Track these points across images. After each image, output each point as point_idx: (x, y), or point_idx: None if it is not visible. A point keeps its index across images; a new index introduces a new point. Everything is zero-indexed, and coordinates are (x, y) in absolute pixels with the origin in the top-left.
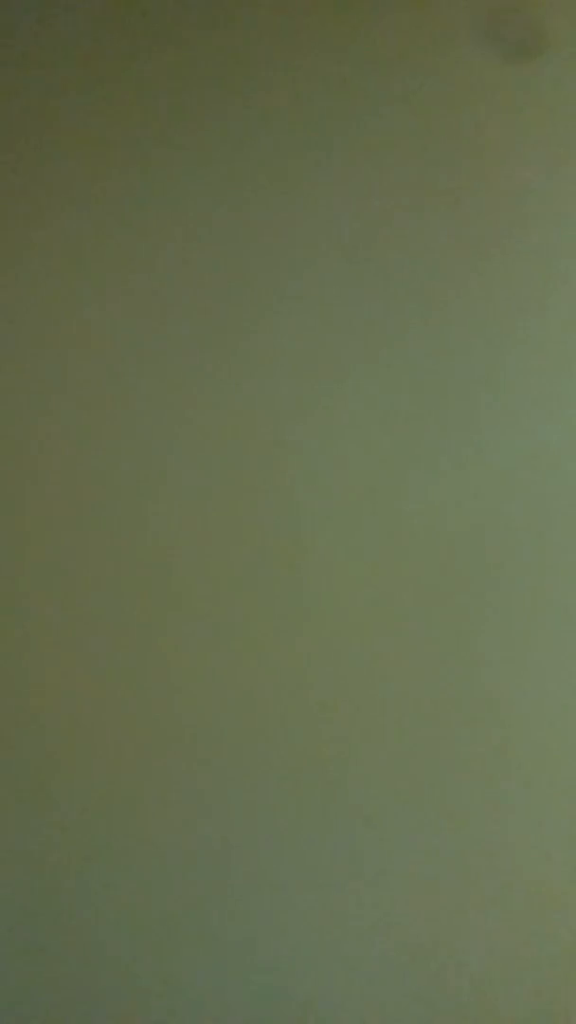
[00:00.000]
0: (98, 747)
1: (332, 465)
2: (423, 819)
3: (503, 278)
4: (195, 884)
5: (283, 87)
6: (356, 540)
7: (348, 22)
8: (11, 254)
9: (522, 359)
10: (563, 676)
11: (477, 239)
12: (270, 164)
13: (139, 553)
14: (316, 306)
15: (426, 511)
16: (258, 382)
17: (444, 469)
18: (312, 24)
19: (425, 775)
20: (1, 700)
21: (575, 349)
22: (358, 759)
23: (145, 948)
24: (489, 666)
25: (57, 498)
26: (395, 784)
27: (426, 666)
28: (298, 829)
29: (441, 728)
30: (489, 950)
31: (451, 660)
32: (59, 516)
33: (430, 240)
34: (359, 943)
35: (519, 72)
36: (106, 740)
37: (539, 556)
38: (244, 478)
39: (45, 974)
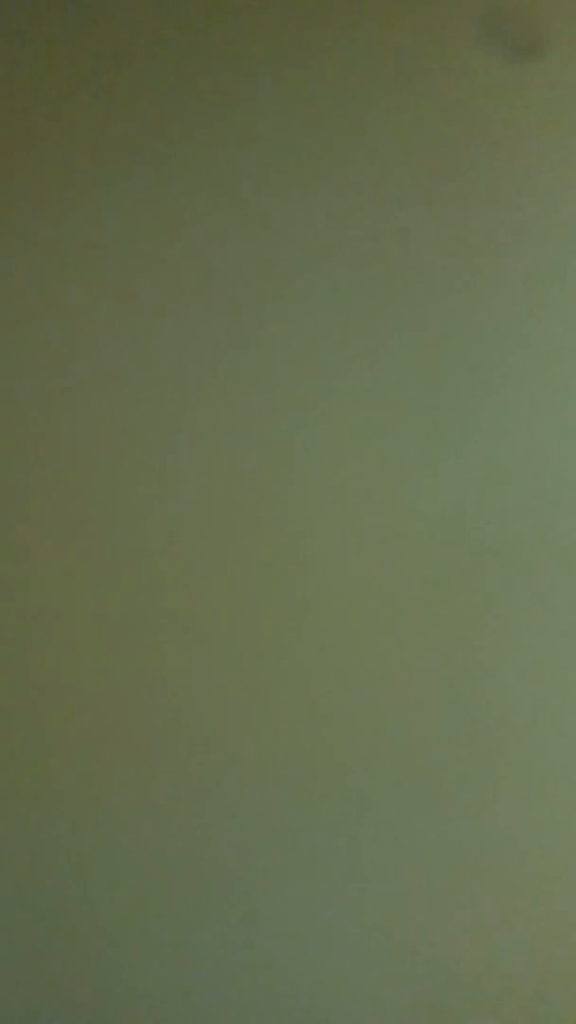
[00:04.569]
0: (99, 747)
1: (332, 465)
2: (424, 817)
3: (503, 278)
4: (194, 883)
5: (283, 88)
6: (356, 539)
7: (348, 22)
8: (10, 257)
9: (521, 359)
10: (563, 674)
11: (477, 239)
12: (270, 165)
13: (141, 551)
14: (316, 306)
15: (427, 511)
16: (259, 382)
17: (444, 469)
18: (312, 24)
19: (426, 773)
20: (3, 701)
21: (575, 349)
22: (359, 759)
23: (144, 946)
24: (489, 665)
25: (58, 497)
26: (396, 782)
27: (427, 665)
28: (298, 827)
29: (442, 727)
30: (489, 947)
31: (451, 659)
32: (60, 516)
33: (430, 240)
34: (358, 940)
35: (519, 72)
36: (107, 738)
37: (540, 555)
38: (245, 479)
39: (45, 975)
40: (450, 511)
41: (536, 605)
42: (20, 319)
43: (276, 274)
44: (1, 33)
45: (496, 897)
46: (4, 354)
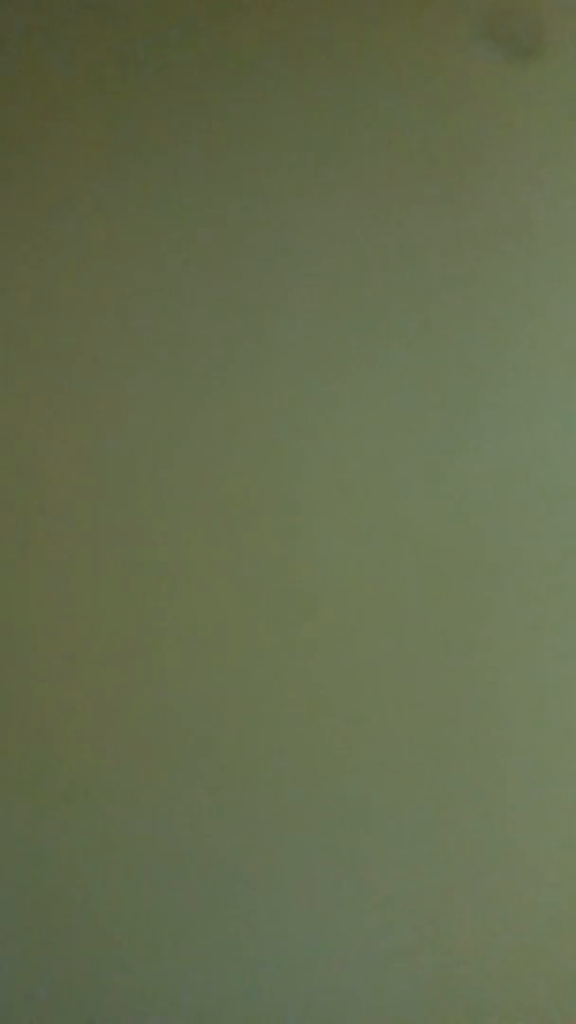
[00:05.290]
0: (100, 747)
1: (332, 465)
2: (424, 815)
3: (503, 278)
4: (196, 883)
5: (283, 88)
6: (356, 540)
7: (348, 22)
8: (11, 259)
9: (521, 360)
10: (563, 672)
11: (477, 239)
12: (270, 165)
13: (141, 553)
14: (316, 306)
15: (426, 510)
16: (259, 382)
17: (444, 469)
18: (312, 24)
19: (425, 771)
20: (6, 703)
21: (575, 349)
22: (359, 757)
23: (142, 946)
24: (489, 664)
25: (60, 498)
26: (396, 780)
27: (426, 664)
28: (298, 825)
29: (441, 725)
30: (489, 946)
31: (451, 658)
32: (61, 516)
33: (430, 240)
34: (358, 940)
35: (519, 72)
36: (108, 738)
37: (539, 555)
38: (245, 478)
39: (46, 974)
40: (450, 512)
41: (536, 605)
42: (21, 320)
43: (275, 273)
44: (2, 32)
45: (497, 897)
46: (5, 355)
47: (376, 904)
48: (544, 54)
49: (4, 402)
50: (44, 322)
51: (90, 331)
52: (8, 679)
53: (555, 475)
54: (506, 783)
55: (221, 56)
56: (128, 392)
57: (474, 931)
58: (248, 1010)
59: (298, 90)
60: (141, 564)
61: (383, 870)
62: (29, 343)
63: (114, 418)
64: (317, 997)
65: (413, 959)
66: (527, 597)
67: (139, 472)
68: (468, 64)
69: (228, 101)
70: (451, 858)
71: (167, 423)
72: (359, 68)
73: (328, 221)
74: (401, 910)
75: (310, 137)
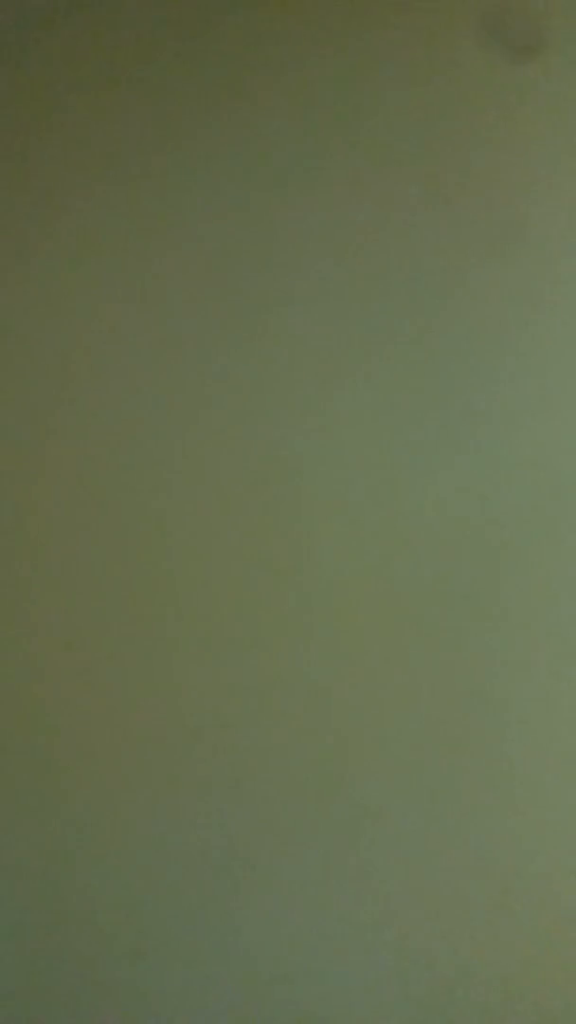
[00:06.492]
0: (103, 748)
1: (334, 465)
2: (426, 819)
3: (503, 278)
4: (197, 886)
5: (284, 87)
6: (357, 539)
7: (349, 22)
8: (13, 258)
9: (522, 359)
10: (565, 672)
11: (477, 239)
12: (271, 165)
13: (142, 554)
14: (317, 307)
15: (427, 510)
16: (260, 382)
17: (445, 468)
18: (313, 24)
19: (429, 777)
20: (7, 703)
21: (575, 349)
22: (362, 760)
23: (143, 947)
24: (491, 664)
25: (59, 501)
26: (399, 784)
27: (428, 663)
28: (301, 829)
29: (445, 726)
30: (493, 953)
31: (453, 658)
32: (63, 517)
33: (431, 240)
34: (361, 945)
35: (519, 72)
36: (110, 739)
37: (539, 555)
38: (247, 477)
39: (47, 975)
40: (451, 513)
41: (540, 606)
42: (21, 319)
43: (276, 272)
44: (2, 30)
45: (499, 901)
46: (7, 355)
47: (376, 907)
48: (544, 54)
49: (4, 401)
50: (44, 322)
51: (90, 331)
52: (9, 679)
53: (556, 474)
54: (509, 788)
55: (220, 55)
56: (128, 392)
57: (475, 935)
58: (250, 1014)
59: (298, 89)
60: (141, 564)
61: (384, 873)
62: (29, 343)
63: (114, 418)
64: (315, 1002)
65: (415, 965)
66: (529, 597)
67: (139, 472)
68: (468, 64)
69: (227, 100)
70: (453, 862)
71: (167, 423)
72: (359, 68)
73: (328, 220)
74: (401, 913)
75: (310, 136)
